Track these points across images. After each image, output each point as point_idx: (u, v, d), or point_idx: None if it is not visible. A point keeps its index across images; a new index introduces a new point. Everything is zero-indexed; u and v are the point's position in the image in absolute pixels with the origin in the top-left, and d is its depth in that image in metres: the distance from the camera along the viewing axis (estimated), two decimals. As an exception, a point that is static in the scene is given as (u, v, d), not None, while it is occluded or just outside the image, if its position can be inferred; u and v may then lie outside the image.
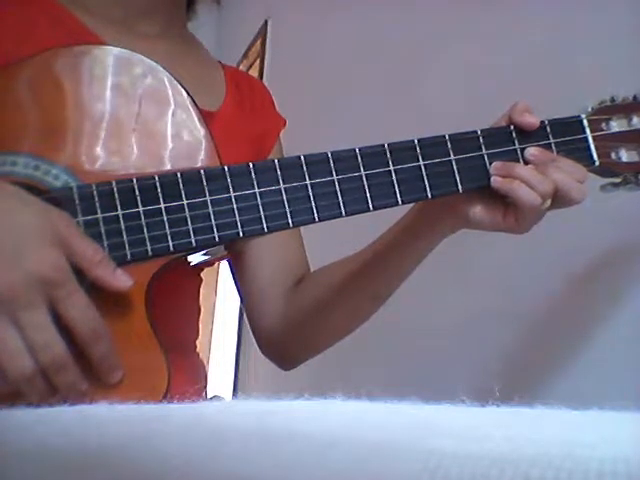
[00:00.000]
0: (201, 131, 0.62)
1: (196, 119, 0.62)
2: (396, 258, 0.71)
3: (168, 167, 0.60)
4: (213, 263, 0.76)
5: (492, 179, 0.61)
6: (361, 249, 0.75)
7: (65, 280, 0.51)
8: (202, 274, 0.81)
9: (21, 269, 0.49)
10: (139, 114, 0.61)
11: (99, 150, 0.59)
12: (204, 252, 0.61)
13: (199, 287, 0.80)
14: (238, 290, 0.83)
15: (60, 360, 0.51)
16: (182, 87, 0.62)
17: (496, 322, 0.98)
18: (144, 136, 0.61)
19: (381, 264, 0.72)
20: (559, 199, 0.61)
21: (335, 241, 1.05)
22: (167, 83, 0.62)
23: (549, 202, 0.60)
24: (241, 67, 2.48)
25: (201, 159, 0.61)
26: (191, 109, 0.62)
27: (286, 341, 0.80)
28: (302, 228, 0.82)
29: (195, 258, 0.61)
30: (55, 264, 0.51)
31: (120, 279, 0.55)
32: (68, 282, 0.51)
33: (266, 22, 2.29)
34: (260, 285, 0.80)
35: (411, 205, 0.68)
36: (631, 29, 0.81)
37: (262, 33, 2.31)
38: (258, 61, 2.31)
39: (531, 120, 0.63)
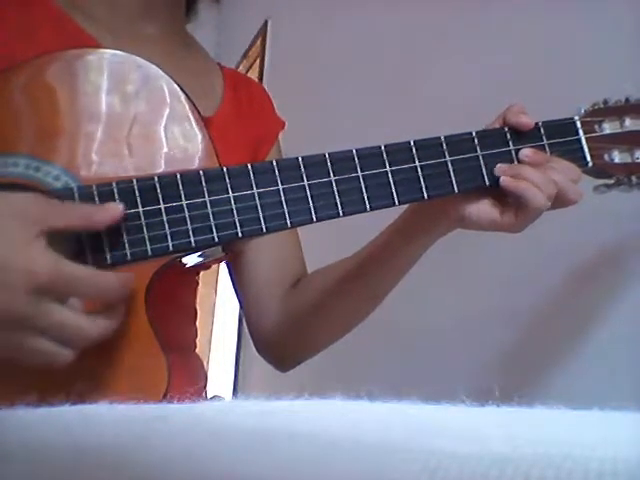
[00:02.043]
0: (200, 134, 0.62)
1: (195, 122, 0.62)
2: (391, 258, 0.71)
3: (167, 169, 0.60)
4: (210, 266, 0.76)
5: (501, 179, 0.62)
6: (357, 250, 0.75)
7: (60, 280, 0.50)
8: (202, 274, 0.81)
9: (11, 287, 0.48)
10: (138, 116, 0.61)
11: (99, 152, 0.59)
12: (200, 253, 0.61)
13: (196, 289, 0.81)
14: (236, 291, 0.84)
15: (99, 334, 0.52)
16: (181, 90, 0.62)
17: (496, 322, 0.98)
18: (144, 138, 0.61)
19: (377, 264, 0.72)
20: (556, 200, 0.61)
21: (333, 242, 1.05)
22: (165, 86, 0.62)
23: (549, 203, 0.61)
24: (241, 67, 2.48)
25: (200, 161, 0.61)
26: (189, 112, 0.62)
27: (283, 342, 0.81)
28: (300, 230, 0.82)
29: (191, 260, 0.61)
30: (44, 268, 0.49)
31: (109, 207, 0.55)
32: (65, 282, 0.50)
33: (266, 22, 2.29)
34: (258, 286, 0.81)
35: (407, 205, 0.68)
36: (631, 29, 0.81)
37: (262, 33, 2.31)
38: (258, 61, 2.31)
39: (526, 121, 0.64)
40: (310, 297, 0.78)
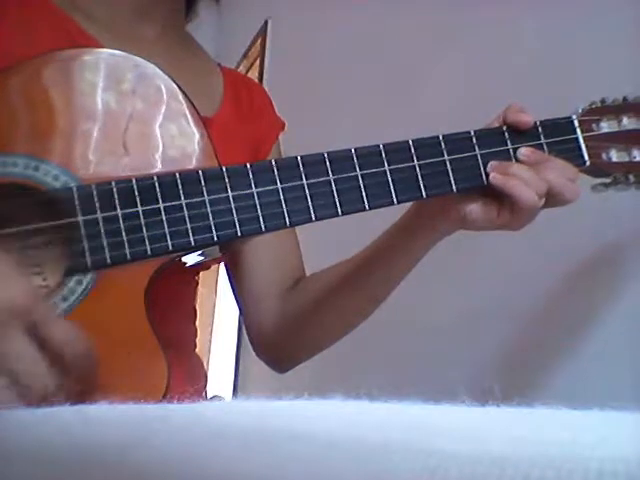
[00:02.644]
0: (198, 133, 0.62)
1: (193, 121, 0.62)
2: (392, 259, 0.72)
3: (165, 168, 0.60)
4: (209, 266, 0.76)
5: (491, 176, 0.62)
6: (357, 252, 0.75)
7: (37, 303, 0.48)
8: (202, 274, 0.81)
9: None
10: (135, 115, 0.61)
11: (97, 151, 0.59)
12: (200, 252, 0.61)
13: (196, 289, 0.81)
14: (234, 292, 0.84)
15: (50, 388, 0.47)
16: (180, 89, 0.62)
17: (496, 322, 0.98)
18: (141, 137, 0.61)
19: (378, 265, 0.72)
20: (552, 198, 0.61)
21: (332, 243, 1.05)
22: (163, 85, 0.62)
23: (543, 201, 0.61)
24: (241, 67, 2.48)
25: (198, 161, 0.61)
26: (187, 111, 0.62)
27: (281, 342, 0.81)
28: (299, 230, 0.82)
29: (191, 259, 0.61)
30: (22, 290, 0.48)
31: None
32: (40, 305, 0.49)
33: (266, 22, 2.29)
34: (256, 286, 0.81)
35: (408, 206, 0.68)
36: (631, 29, 0.81)
37: (262, 33, 2.31)
38: (258, 61, 2.31)
39: (526, 119, 0.64)
40: (309, 298, 0.78)
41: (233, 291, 0.84)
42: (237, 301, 0.84)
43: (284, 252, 0.82)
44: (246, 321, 0.83)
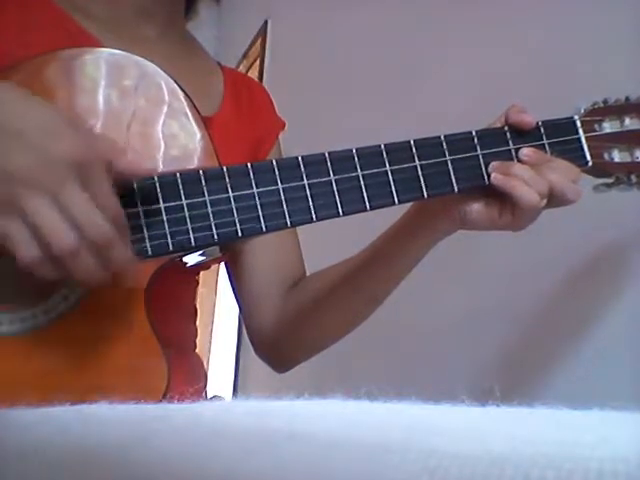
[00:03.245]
0: (199, 132, 0.62)
1: (194, 121, 0.62)
2: (393, 258, 0.71)
3: (166, 167, 0.60)
4: (209, 266, 0.76)
5: (492, 176, 0.62)
6: (357, 252, 0.75)
7: (94, 160, 0.50)
8: (202, 274, 0.81)
9: (44, 150, 0.48)
10: (136, 114, 0.61)
11: None
12: (201, 252, 0.61)
13: (196, 289, 0.80)
14: (234, 292, 0.83)
15: (106, 236, 0.49)
16: (180, 89, 0.62)
17: (496, 322, 0.98)
18: (142, 136, 0.61)
19: (378, 265, 0.72)
20: (554, 199, 0.61)
21: (332, 243, 1.05)
22: (164, 84, 0.62)
23: (545, 201, 0.61)
24: (241, 67, 2.48)
25: (199, 160, 0.61)
26: (188, 110, 0.62)
27: (281, 342, 0.81)
28: (300, 230, 0.82)
29: (192, 259, 0.61)
30: (83, 144, 0.50)
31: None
32: (97, 163, 0.50)
33: (266, 22, 2.29)
34: (256, 285, 0.81)
35: (408, 206, 0.68)
36: (631, 29, 0.81)
37: (262, 33, 2.31)
38: (258, 61, 2.31)
39: (528, 119, 0.64)
40: (309, 297, 0.78)
41: (233, 291, 0.84)
42: (237, 301, 0.84)
43: (284, 252, 0.82)
44: (246, 321, 0.83)
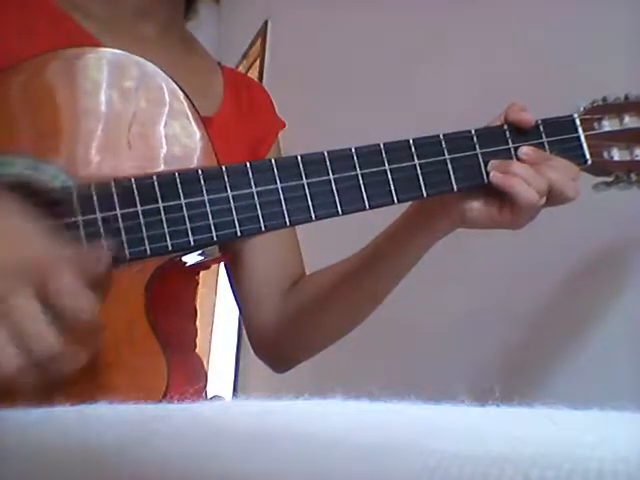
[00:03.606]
0: (199, 132, 0.62)
1: (194, 121, 0.62)
2: (392, 257, 0.71)
3: (166, 168, 0.60)
4: (209, 266, 0.76)
5: (491, 174, 0.62)
6: (356, 251, 0.75)
7: (51, 263, 0.47)
8: (202, 274, 0.81)
9: None
10: (137, 114, 0.61)
11: (98, 150, 0.59)
12: (200, 252, 0.61)
13: (196, 289, 0.80)
14: (234, 292, 0.83)
15: (52, 350, 0.46)
16: (180, 89, 0.62)
17: (496, 322, 0.98)
18: (142, 136, 0.61)
19: (377, 264, 0.72)
20: (553, 197, 0.61)
21: (332, 243, 1.05)
22: (164, 84, 0.62)
23: (544, 199, 0.61)
24: (241, 67, 2.48)
25: (199, 160, 0.61)
26: (188, 110, 0.62)
27: (281, 341, 0.80)
28: (299, 231, 0.82)
29: (191, 259, 0.61)
30: (40, 252, 0.47)
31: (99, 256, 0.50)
32: (55, 265, 0.47)
33: (266, 22, 2.29)
34: (256, 285, 0.80)
35: (408, 204, 0.68)
36: (631, 29, 0.81)
37: (262, 33, 2.31)
38: (258, 61, 2.31)
39: (527, 118, 0.64)
40: (309, 297, 0.78)
41: (233, 291, 0.84)
42: (237, 301, 0.84)
43: (284, 252, 0.82)
44: (246, 321, 0.83)
